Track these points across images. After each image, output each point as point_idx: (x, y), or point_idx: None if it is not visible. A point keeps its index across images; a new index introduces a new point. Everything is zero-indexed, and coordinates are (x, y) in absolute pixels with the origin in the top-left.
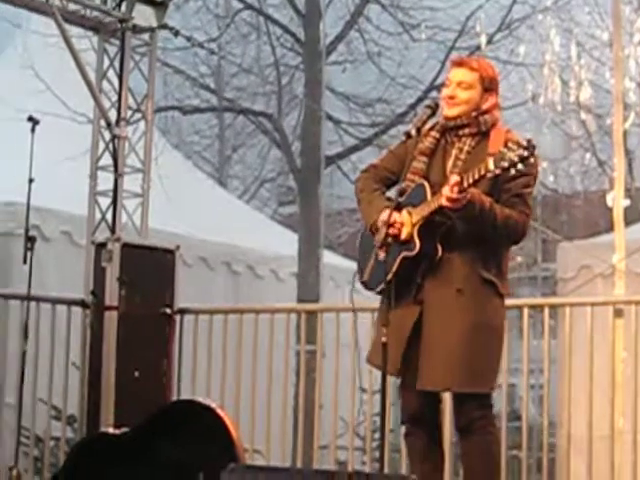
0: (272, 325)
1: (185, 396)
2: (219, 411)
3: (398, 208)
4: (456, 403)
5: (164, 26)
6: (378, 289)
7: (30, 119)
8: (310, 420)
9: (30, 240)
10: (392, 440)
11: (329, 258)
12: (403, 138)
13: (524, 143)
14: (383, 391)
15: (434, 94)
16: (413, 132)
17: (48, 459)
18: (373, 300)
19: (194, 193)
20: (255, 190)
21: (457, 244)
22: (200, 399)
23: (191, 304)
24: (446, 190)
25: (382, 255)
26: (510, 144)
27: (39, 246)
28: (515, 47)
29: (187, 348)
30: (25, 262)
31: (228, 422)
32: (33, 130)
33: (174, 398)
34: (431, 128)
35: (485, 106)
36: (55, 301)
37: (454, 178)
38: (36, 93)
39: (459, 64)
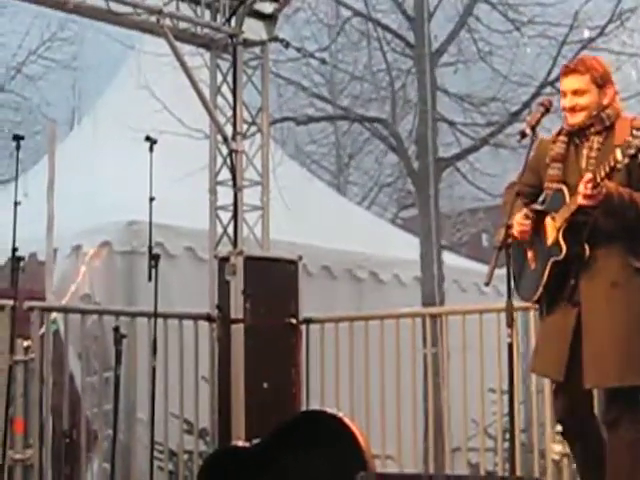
0: (397, 330)
1: (314, 406)
2: (346, 420)
3: (542, 215)
4: (606, 398)
5: (275, 38)
6: (535, 297)
7: (147, 139)
8: (440, 423)
9: (154, 258)
10: (524, 440)
11: (451, 260)
12: (518, 137)
13: None
14: (511, 391)
15: (548, 90)
16: (528, 131)
17: (182, 473)
18: (498, 301)
19: (314, 202)
20: (374, 196)
21: (604, 240)
22: (327, 409)
23: (316, 313)
24: (581, 188)
25: (533, 266)
26: (634, 131)
27: (163, 263)
28: (627, 38)
29: (314, 358)
30: (150, 279)
31: (356, 430)
32: (151, 149)
33: (303, 408)
34: (558, 134)
35: (605, 102)
36: (182, 316)
37: (587, 176)
38: (152, 113)
39: (568, 73)
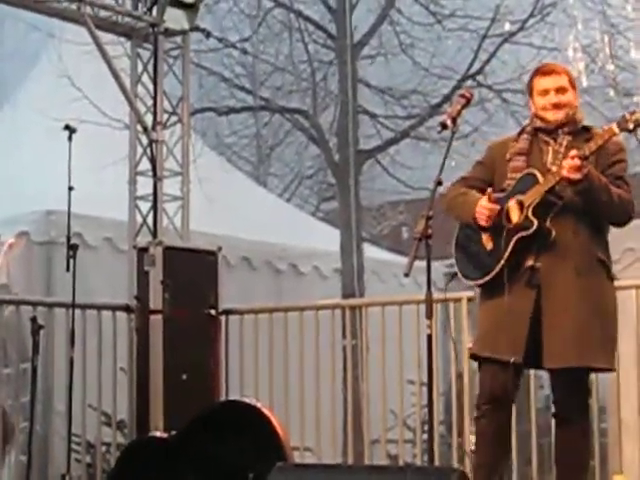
0: (317, 322)
1: (234, 397)
2: (264, 410)
3: (503, 200)
4: (561, 384)
5: (196, 28)
6: (491, 276)
7: (67, 127)
8: (359, 415)
9: (72, 248)
10: (442, 432)
11: (372, 252)
12: (439, 129)
13: None
14: (430, 382)
15: (469, 83)
16: (449, 122)
17: (100, 465)
18: (418, 293)
19: (234, 193)
20: (295, 188)
21: (571, 224)
22: (245, 399)
23: (235, 304)
24: (567, 161)
25: (489, 246)
26: (628, 112)
27: (82, 253)
28: (548, 32)
29: (233, 349)
30: (68, 270)
31: (274, 421)
32: (70, 138)
33: (222, 399)
34: (520, 133)
35: (576, 103)
36: (100, 307)
37: (572, 152)
38: (72, 101)
39: (547, 73)
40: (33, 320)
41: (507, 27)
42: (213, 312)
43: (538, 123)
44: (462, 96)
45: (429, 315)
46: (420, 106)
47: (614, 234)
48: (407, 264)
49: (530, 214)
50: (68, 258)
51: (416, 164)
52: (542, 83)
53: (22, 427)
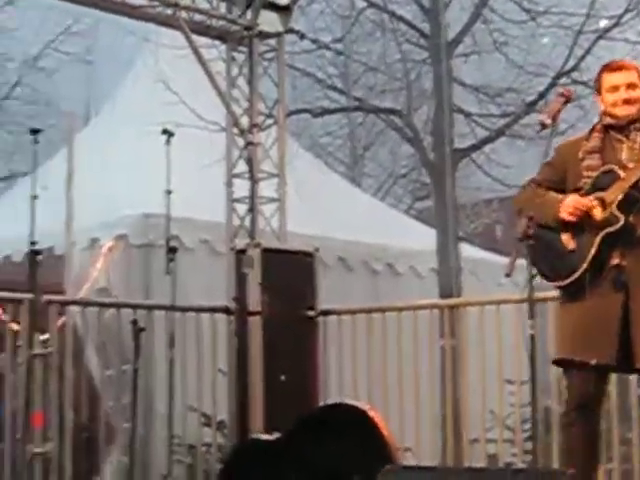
0: (415, 322)
1: (332, 398)
2: (371, 412)
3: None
4: None
5: (290, 30)
6: (576, 275)
7: (165, 132)
8: (458, 415)
9: (171, 251)
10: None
11: (468, 251)
12: (538, 128)
13: None
14: (533, 381)
15: (563, 80)
16: (548, 121)
17: (201, 466)
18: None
19: (329, 194)
20: (389, 187)
21: None
22: (351, 401)
23: (332, 305)
24: None
25: (571, 245)
26: None
27: (179, 255)
28: None
29: (331, 349)
30: (168, 273)
31: (380, 423)
32: (168, 142)
33: (321, 400)
34: (591, 131)
35: None
36: (199, 309)
37: None
38: (168, 105)
39: (616, 69)
40: (134, 323)
41: (602, 23)
42: (311, 313)
43: (608, 120)
44: (561, 95)
45: (531, 315)
46: (515, 104)
47: None
48: (508, 264)
49: (616, 209)
50: (167, 261)
51: (512, 162)
52: (611, 79)
53: (124, 428)
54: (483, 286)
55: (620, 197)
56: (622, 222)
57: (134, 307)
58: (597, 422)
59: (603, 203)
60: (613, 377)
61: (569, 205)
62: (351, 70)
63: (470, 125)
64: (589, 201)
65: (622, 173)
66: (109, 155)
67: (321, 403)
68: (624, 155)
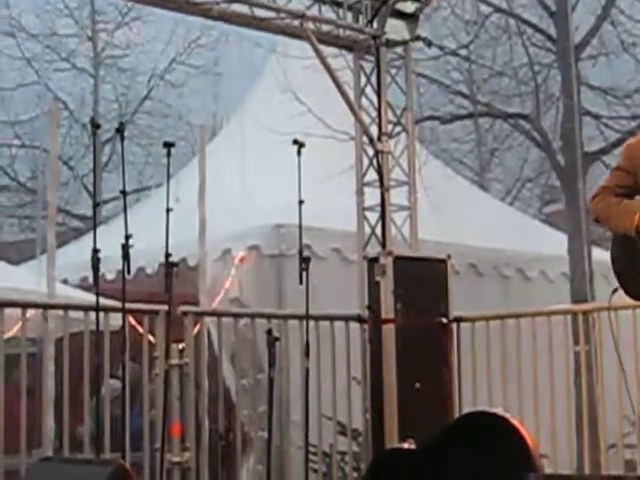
0: (549, 327)
1: (467, 405)
2: (514, 421)
3: None
4: None
5: (417, 38)
6: None
7: (295, 142)
8: (594, 421)
9: (305, 260)
10: None
11: (599, 255)
12: None
13: None
14: None
15: None
16: None
17: (336, 474)
18: None
19: (458, 200)
20: (517, 191)
21: None
22: (493, 410)
23: (463, 312)
24: None
25: None
26: None
27: (312, 265)
28: None
29: (465, 356)
30: (301, 283)
31: (524, 431)
32: (299, 152)
33: (456, 408)
34: None
35: None
36: (333, 318)
37: None
38: (297, 115)
39: None
40: (269, 332)
41: None
42: (445, 320)
43: None
44: None
45: None
46: None
47: None
48: None
49: None
50: (301, 271)
51: None
52: None
53: (259, 437)
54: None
55: None
56: None
57: (268, 317)
58: None
59: None
60: None
61: None
62: (477, 75)
63: (599, 128)
64: None
65: None
66: (239, 166)
67: (460, 412)
68: None
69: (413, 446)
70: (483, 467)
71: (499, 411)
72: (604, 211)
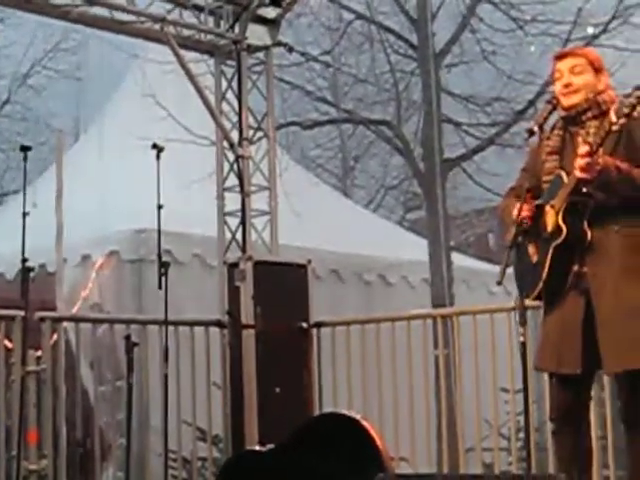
0: (409, 332)
1: (327, 409)
2: (364, 422)
3: (541, 208)
4: (625, 388)
5: (278, 43)
6: (537, 291)
7: (154, 146)
8: (453, 424)
9: (164, 265)
10: (537, 439)
11: (460, 260)
12: (526, 135)
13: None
14: (525, 389)
15: (552, 88)
16: (535, 129)
17: None
18: (508, 301)
19: (320, 206)
20: (380, 198)
21: (610, 221)
22: (344, 411)
23: (326, 317)
24: (578, 161)
25: (535, 259)
26: (624, 95)
27: (171, 270)
28: (631, 34)
29: (325, 361)
30: (160, 287)
31: (373, 433)
32: (158, 157)
33: (316, 412)
34: (552, 128)
35: (600, 86)
36: (192, 323)
37: (583, 148)
38: (157, 120)
39: (562, 56)
40: (127, 338)
41: (589, 30)
42: (305, 325)
43: (561, 112)
44: (549, 102)
45: (523, 322)
46: (504, 113)
47: None
48: (500, 272)
49: (560, 220)
50: (160, 276)
51: (501, 171)
52: (556, 67)
53: (118, 444)
54: (475, 295)
55: (564, 206)
56: (564, 235)
57: (127, 322)
58: (583, 430)
59: (555, 212)
60: (605, 381)
61: (521, 213)
62: (340, 82)
63: (460, 135)
64: (529, 209)
65: (566, 179)
66: (99, 171)
67: (315, 414)
68: (580, 151)
69: (265, 448)
70: (331, 468)
71: (349, 412)
72: (502, 211)
